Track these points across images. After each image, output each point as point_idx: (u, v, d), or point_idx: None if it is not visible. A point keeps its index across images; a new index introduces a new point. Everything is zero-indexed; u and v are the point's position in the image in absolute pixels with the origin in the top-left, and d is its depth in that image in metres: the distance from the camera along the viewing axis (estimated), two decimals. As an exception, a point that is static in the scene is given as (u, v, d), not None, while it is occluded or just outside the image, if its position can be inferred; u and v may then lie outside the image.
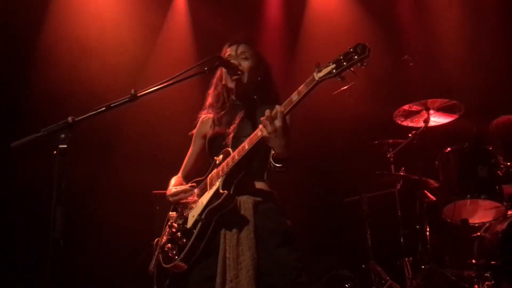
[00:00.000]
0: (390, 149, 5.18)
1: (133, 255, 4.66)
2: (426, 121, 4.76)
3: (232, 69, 2.61)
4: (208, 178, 2.54)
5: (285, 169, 2.32)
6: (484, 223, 4.42)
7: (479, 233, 4.35)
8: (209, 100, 2.87)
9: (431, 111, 4.75)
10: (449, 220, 4.48)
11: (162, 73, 5.40)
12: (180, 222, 2.56)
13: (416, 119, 4.93)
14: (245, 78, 2.64)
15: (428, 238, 4.58)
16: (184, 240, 2.44)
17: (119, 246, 5.03)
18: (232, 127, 2.62)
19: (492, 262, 4.01)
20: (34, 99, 5.11)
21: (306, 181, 5.69)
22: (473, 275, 4.17)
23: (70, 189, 1.93)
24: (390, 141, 5.18)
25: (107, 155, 5.45)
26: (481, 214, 4.46)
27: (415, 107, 4.80)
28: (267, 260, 2.37)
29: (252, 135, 2.34)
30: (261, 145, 2.30)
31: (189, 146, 2.96)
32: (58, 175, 1.90)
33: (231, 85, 2.68)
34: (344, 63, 2.08)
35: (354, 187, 5.40)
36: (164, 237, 2.63)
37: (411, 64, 5.03)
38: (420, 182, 4.73)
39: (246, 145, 2.35)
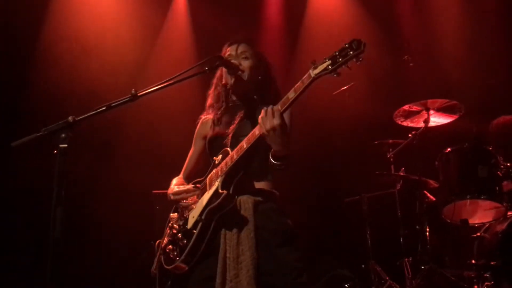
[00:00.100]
0: (390, 149, 5.18)
1: (133, 255, 4.67)
2: (426, 121, 4.76)
3: (233, 69, 2.60)
4: (207, 179, 2.53)
5: (284, 166, 2.31)
6: (484, 224, 4.42)
7: (479, 234, 4.34)
8: (209, 100, 2.86)
9: (431, 111, 4.75)
10: (449, 220, 4.48)
11: (162, 73, 5.40)
12: (181, 223, 2.56)
13: (416, 119, 4.93)
14: (245, 78, 2.64)
15: (428, 238, 4.58)
16: (185, 241, 2.43)
17: (119, 246, 5.03)
18: (231, 127, 2.61)
19: (492, 263, 4.00)
20: (34, 99, 5.11)
21: (306, 181, 5.70)
22: (472, 275, 4.17)
23: (70, 189, 1.93)
24: (390, 141, 5.18)
25: (107, 155, 5.46)
26: (481, 214, 4.46)
27: (415, 107, 4.80)
28: (267, 260, 2.36)
29: (250, 134, 2.33)
30: (260, 144, 2.29)
31: (190, 146, 2.95)
32: (58, 174, 1.90)
33: (232, 84, 2.67)
34: (340, 59, 2.08)
35: (354, 187, 5.40)
36: (165, 239, 2.62)
37: (411, 64, 5.03)
38: (420, 182, 4.73)
39: (244, 144, 2.35)
